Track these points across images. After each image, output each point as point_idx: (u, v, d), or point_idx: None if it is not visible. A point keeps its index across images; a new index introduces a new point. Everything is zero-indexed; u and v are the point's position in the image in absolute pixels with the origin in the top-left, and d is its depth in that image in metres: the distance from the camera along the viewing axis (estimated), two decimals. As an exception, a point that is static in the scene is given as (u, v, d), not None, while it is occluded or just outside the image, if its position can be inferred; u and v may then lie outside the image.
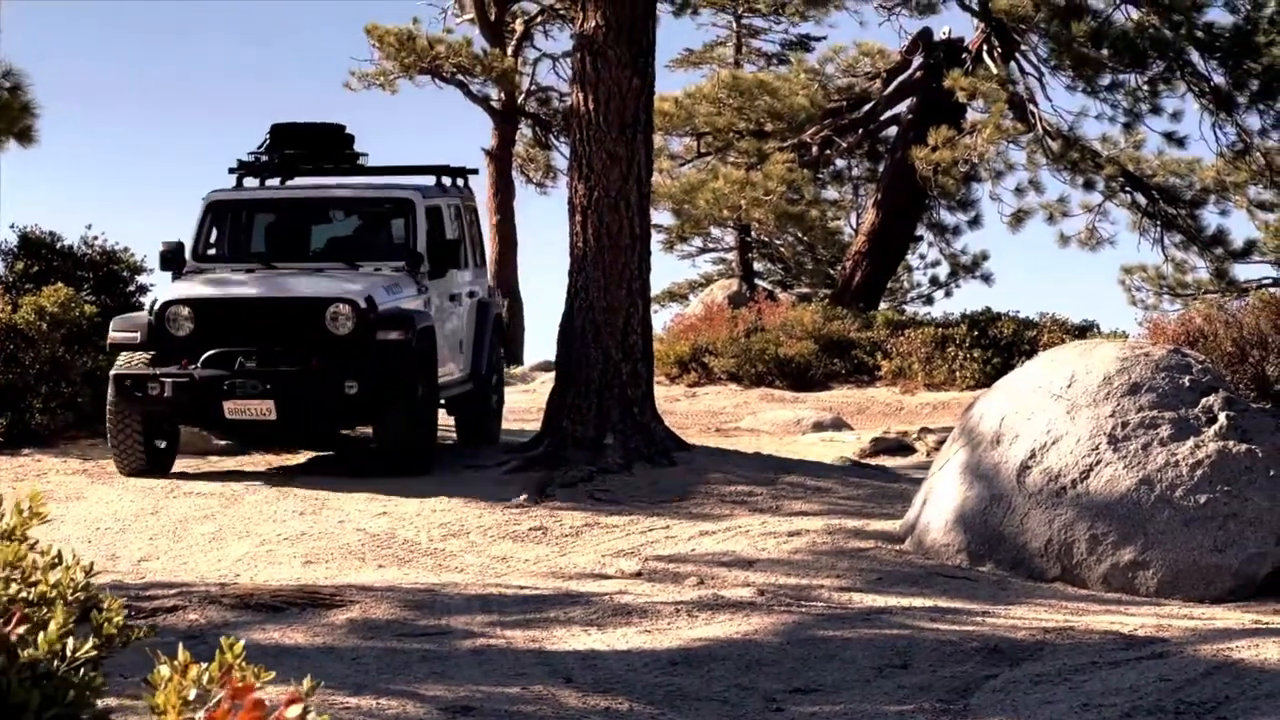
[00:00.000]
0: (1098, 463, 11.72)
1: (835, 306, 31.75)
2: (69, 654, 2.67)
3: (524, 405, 26.19)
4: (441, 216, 17.13)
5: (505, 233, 36.69)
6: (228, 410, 14.83)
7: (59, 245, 19.94)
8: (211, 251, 16.70)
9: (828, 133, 33.05)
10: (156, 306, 15.40)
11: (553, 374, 32.68)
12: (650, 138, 16.98)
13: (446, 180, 18.07)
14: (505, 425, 23.06)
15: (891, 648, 9.09)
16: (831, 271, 40.79)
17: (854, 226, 41.90)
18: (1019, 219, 31.98)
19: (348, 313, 15.09)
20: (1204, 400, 12.08)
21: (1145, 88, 29.34)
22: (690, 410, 25.87)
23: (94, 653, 2.72)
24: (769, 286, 40.90)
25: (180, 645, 2.63)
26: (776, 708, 8.03)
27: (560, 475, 15.35)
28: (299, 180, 17.95)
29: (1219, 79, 28.10)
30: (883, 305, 34.74)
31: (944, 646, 9.08)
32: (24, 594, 2.84)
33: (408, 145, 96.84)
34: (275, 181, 18.00)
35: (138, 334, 15.34)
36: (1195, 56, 27.95)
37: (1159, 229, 31.69)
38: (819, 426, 23.58)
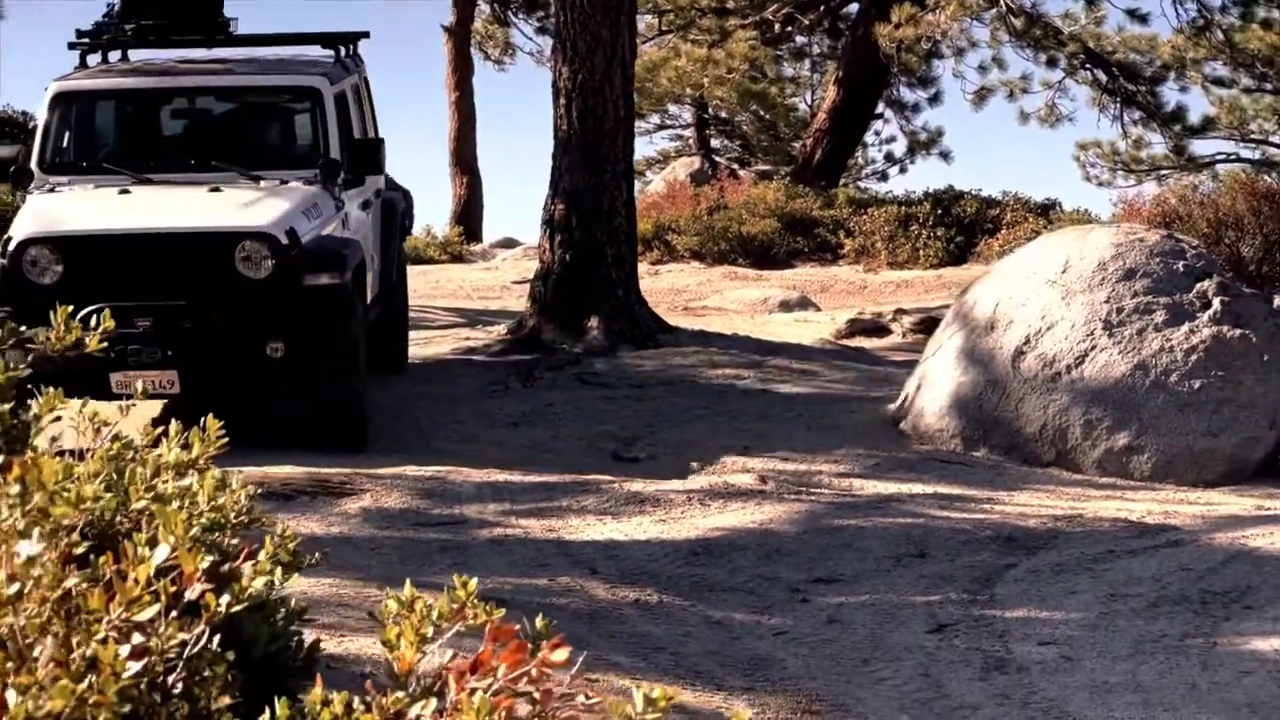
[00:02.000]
0: (1093, 348, 11.81)
1: (797, 184, 31.71)
2: (276, 581, 2.69)
3: (488, 283, 26.21)
4: (348, 105, 13.81)
5: (464, 110, 36.41)
6: (116, 384, 11.10)
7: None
8: (63, 159, 13.04)
9: (789, 9, 32.87)
10: (9, 246, 11.61)
11: (513, 251, 32.76)
12: (634, 20, 16.91)
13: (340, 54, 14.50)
14: (470, 304, 23.09)
15: (906, 536, 9.19)
16: (791, 149, 40.69)
17: (810, 104, 41.85)
18: (981, 96, 31.98)
19: (264, 251, 11.59)
20: (1198, 285, 12.18)
21: None
22: (654, 288, 25.82)
23: (291, 580, 2.74)
24: (729, 164, 40.77)
25: (408, 581, 2.65)
26: (802, 598, 8.13)
27: (546, 359, 15.36)
28: (164, 59, 14.38)
29: None
30: (841, 183, 34.70)
31: (958, 535, 9.19)
32: (207, 519, 2.85)
33: (362, 21, 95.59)
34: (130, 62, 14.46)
35: None
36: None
37: (1118, 106, 31.71)
38: (786, 305, 23.61)
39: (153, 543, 2.17)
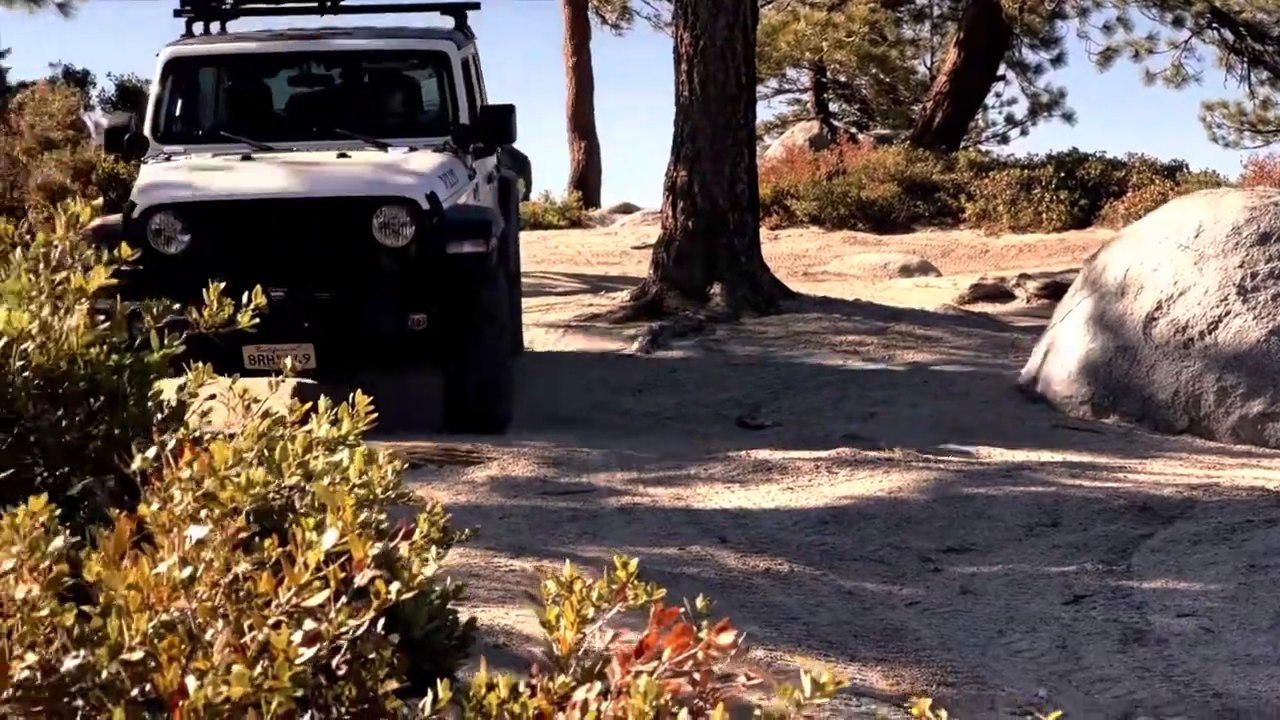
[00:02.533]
0: (1226, 314, 11.63)
1: (916, 148, 31.46)
2: (431, 559, 2.67)
3: (607, 248, 26.19)
4: (471, 72, 13.15)
5: (582, 75, 36.40)
6: (249, 357, 10.52)
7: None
8: (178, 128, 12.53)
9: (910, -30, 32.59)
10: (135, 213, 11.11)
11: (631, 216, 32.69)
12: (756, -16, 16.79)
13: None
14: (590, 270, 23.08)
15: (1038, 505, 9.08)
16: (910, 113, 40.36)
17: (930, 67, 41.48)
18: (1106, 57, 31.60)
19: (404, 216, 11.05)
20: (1334, 250, 11.96)
21: None
22: (773, 253, 25.70)
23: (444, 558, 2.72)
24: (848, 128, 40.49)
25: (567, 561, 2.62)
26: (934, 567, 8.05)
27: (671, 325, 15.34)
28: (278, 25, 13.76)
29: None
30: (962, 146, 34.40)
31: (1091, 504, 9.07)
32: (356, 495, 2.83)
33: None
34: (236, 27, 13.77)
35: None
36: None
37: (1245, 65, 31.22)
38: (906, 270, 23.47)
39: (319, 527, 2.16)
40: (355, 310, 11.07)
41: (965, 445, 10.83)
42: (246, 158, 11.94)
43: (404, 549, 2.51)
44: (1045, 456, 10.51)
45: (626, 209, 33.46)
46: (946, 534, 8.61)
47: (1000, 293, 19.28)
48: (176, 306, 3.36)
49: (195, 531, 2.20)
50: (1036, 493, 9.37)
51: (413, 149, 12.04)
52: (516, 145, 14.51)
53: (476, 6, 13.83)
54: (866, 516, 8.87)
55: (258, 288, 3.77)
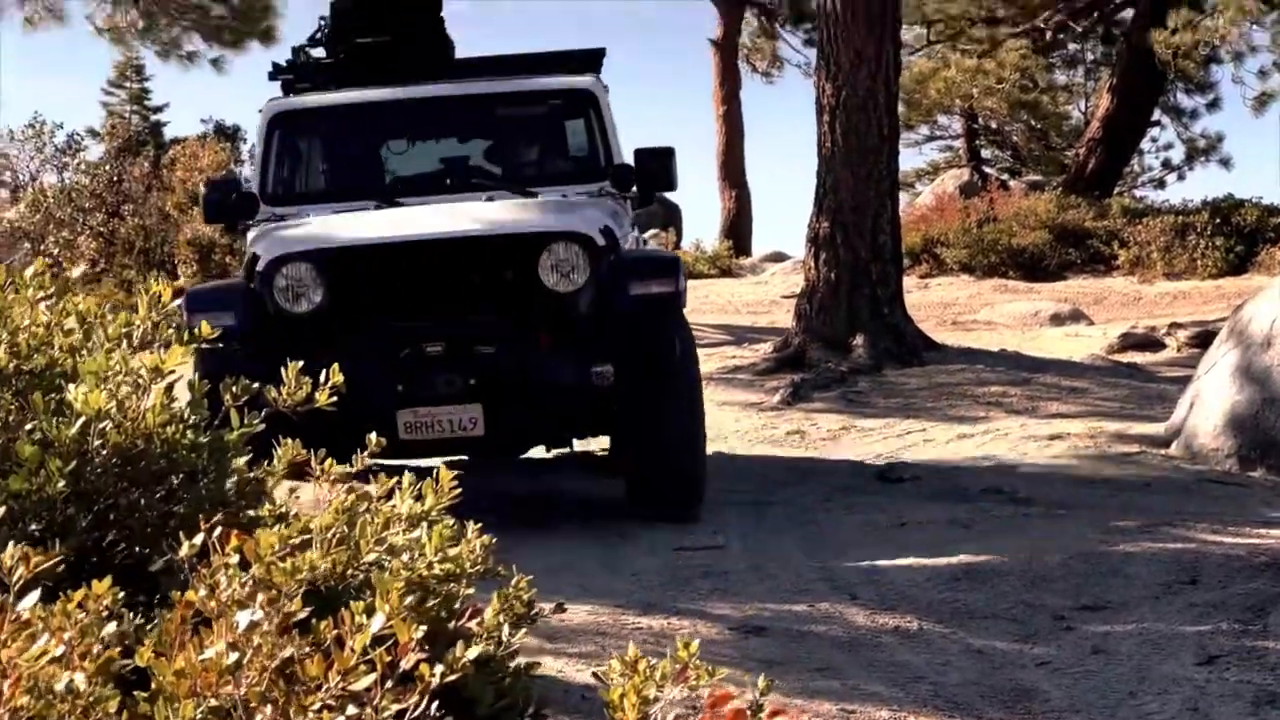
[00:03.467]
0: (1377, 366, 11.43)
1: (1069, 195, 31.25)
2: (503, 639, 2.70)
3: (756, 298, 26.24)
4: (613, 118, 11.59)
5: (732, 123, 36.55)
6: (404, 425, 9.23)
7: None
8: (289, 188, 11.28)
9: (1061, 17, 32.41)
10: (259, 266, 9.69)
11: (782, 265, 32.70)
12: (898, 35, 16.82)
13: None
14: (738, 319, 23.13)
15: (1176, 562, 8.95)
16: (1063, 159, 40.09)
17: (1084, 112, 41.16)
18: (1262, 102, 31.25)
19: (577, 255, 9.60)
20: None
21: None
22: (923, 302, 25.65)
23: (524, 637, 2.75)
24: (999, 175, 40.27)
25: (630, 643, 2.65)
26: (1066, 626, 7.96)
27: (813, 377, 15.33)
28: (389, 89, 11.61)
29: None
30: (1115, 192, 34.11)
31: (1231, 561, 8.92)
32: (436, 570, 2.87)
33: (627, 41, 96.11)
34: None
35: (230, 315, 9.31)
36: None
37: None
38: (1057, 319, 23.29)
39: (370, 610, 2.19)
40: (528, 362, 9.49)
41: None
42: (380, 207, 10.67)
43: (474, 626, 2.54)
44: (1188, 510, 10.37)
45: (778, 257, 33.51)
46: (1081, 591, 8.51)
47: (1150, 342, 19.07)
48: (256, 385, 3.36)
49: (243, 617, 2.25)
50: (1176, 549, 9.24)
51: (564, 196, 10.76)
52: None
53: (603, 53, 12.27)
54: (1000, 573, 8.79)
55: (335, 366, 3.54)
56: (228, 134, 29.94)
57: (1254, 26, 30.11)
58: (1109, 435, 12.75)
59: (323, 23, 12.25)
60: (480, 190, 10.86)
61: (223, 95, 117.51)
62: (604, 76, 11.97)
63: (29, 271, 3.44)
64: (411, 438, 9.24)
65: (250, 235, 10.62)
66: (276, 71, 12.05)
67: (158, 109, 44.02)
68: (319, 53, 12.25)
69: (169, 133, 34.81)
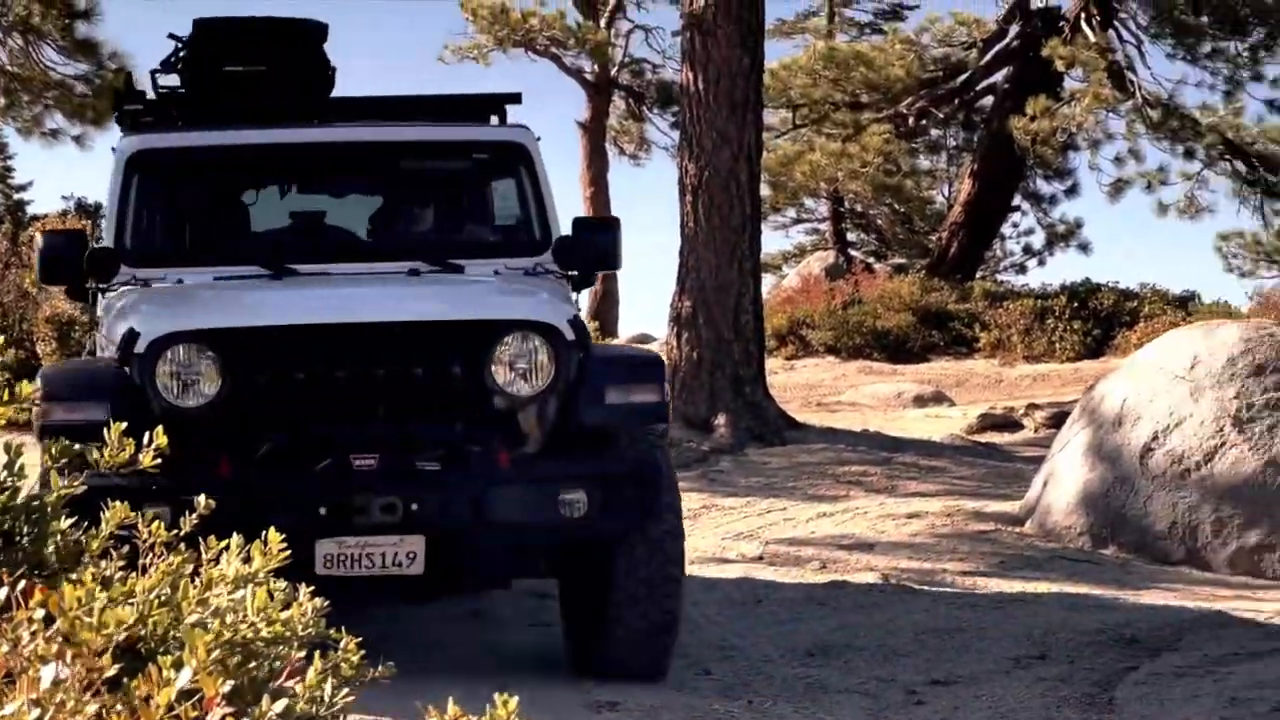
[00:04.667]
0: (1222, 444, 11.64)
1: (932, 278, 31.68)
2: (326, 699, 2.70)
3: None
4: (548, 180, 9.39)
5: (599, 205, 36.73)
6: (325, 558, 7.24)
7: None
8: (154, 246, 9.03)
9: (924, 103, 32.90)
10: (140, 347, 7.49)
11: (647, 347, 32.79)
12: (760, 116, 16.99)
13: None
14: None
15: (1028, 637, 9.07)
16: (927, 242, 40.62)
17: (948, 196, 41.77)
18: (1118, 188, 31.80)
19: (540, 350, 7.59)
20: (1330, 381, 11.98)
21: (1246, 54, 29.36)
22: (789, 383, 25.83)
23: (350, 698, 2.76)
24: (864, 258, 40.76)
25: (450, 700, 2.66)
26: (918, 700, 8.03)
27: (674, 456, 15.37)
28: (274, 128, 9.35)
29: None
30: (978, 275, 34.62)
31: (1080, 636, 9.05)
32: (263, 634, 2.88)
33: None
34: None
35: (98, 407, 7.17)
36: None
37: (1259, 196, 31.44)
38: (920, 400, 23.55)
39: (179, 665, 2.19)
40: (486, 485, 7.45)
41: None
42: (276, 278, 8.51)
43: (299, 688, 2.55)
44: (1040, 588, 10.52)
45: (644, 339, 33.60)
46: (933, 666, 8.59)
47: (1008, 423, 19.32)
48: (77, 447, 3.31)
49: (47, 673, 2.23)
50: (1026, 624, 9.35)
51: (497, 272, 8.74)
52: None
53: (517, 100, 9.97)
54: (855, 648, 8.87)
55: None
56: (89, 211, 29.74)
57: (1109, 114, 30.71)
58: (965, 513, 12.89)
59: (179, 45, 9.78)
60: (390, 260, 8.74)
61: (88, 173, 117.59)
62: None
63: None
64: (331, 573, 7.12)
65: (107, 302, 8.56)
66: (119, 99, 10.21)
67: (21, 187, 43.75)
68: (172, 80, 9.93)
69: (31, 210, 34.61)
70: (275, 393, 7.54)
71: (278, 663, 2.61)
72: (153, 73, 9.96)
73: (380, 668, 3.13)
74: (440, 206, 9.82)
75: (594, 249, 8.95)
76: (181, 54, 9.74)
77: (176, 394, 7.39)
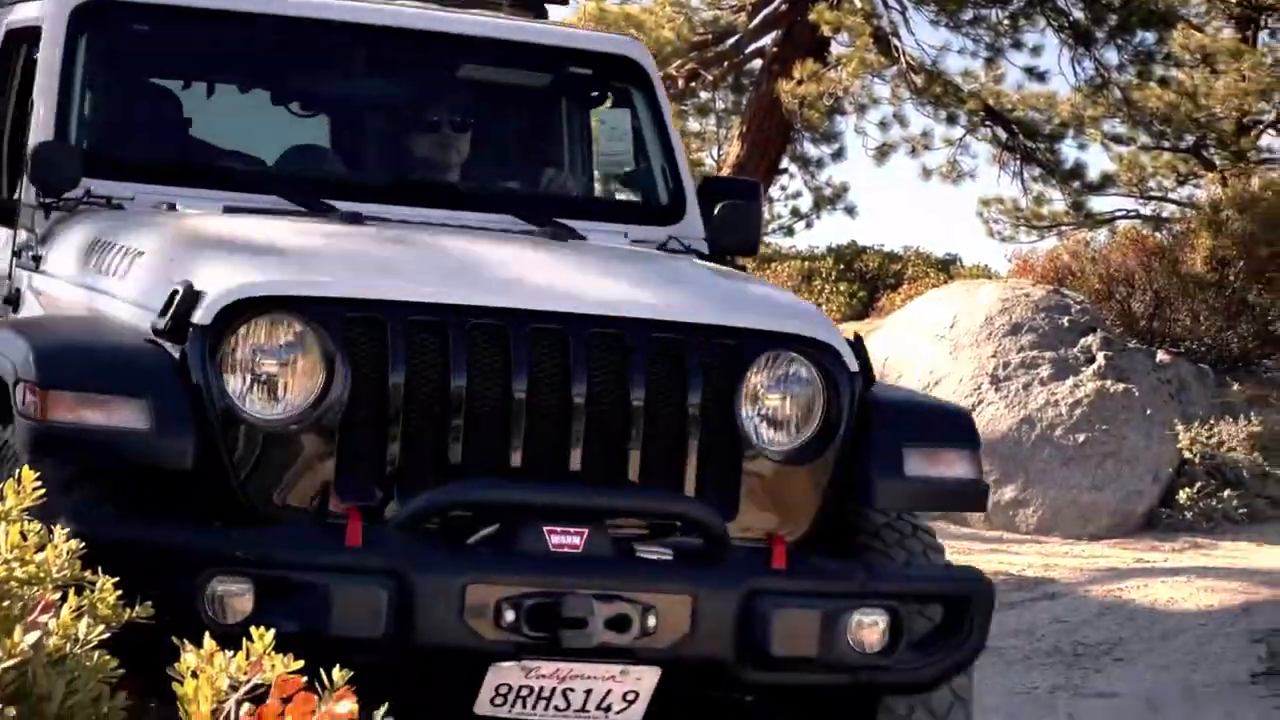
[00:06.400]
0: (980, 402, 11.94)
1: (701, 239, 31.93)
2: (80, 637, 2.70)
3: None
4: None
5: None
6: (496, 691, 4.62)
7: None
8: (114, 152, 6.28)
9: (694, 66, 33.08)
10: (203, 314, 4.70)
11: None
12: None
13: None
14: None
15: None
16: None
17: (717, 159, 42.09)
18: (883, 153, 32.20)
19: (813, 383, 5.10)
20: (1082, 340, 12.36)
21: (1006, 22, 29.53)
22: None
23: (105, 634, 2.75)
24: (634, 219, 40.96)
25: (206, 635, 2.65)
26: None
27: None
28: None
29: (1078, 14, 28.25)
30: (746, 237, 35.00)
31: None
32: (17, 574, 2.87)
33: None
34: None
35: (138, 407, 4.57)
36: (1057, -9, 28.09)
37: (1018, 162, 31.87)
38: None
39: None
40: (751, 594, 4.82)
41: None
42: (351, 219, 5.85)
43: (52, 624, 2.54)
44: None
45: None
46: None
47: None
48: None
49: None
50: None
51: (626, 236, 6.41)
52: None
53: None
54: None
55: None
56: None
57: (874, 79, 31.17)
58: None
59: None
60: (471, 210, 6.25)
61: None
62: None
63: None
64: (498, 713, 4.70)
65: (65, 229, 5.87)
66: None
67: None
68: None
69: None
70: (411, 405, 4.80)
71: (31, 601, 2.61)
72: None
73: (139, 607, 3.11)
74: (525, 139, 7.24)
75: (728, 226, 6.35)
76: None
77: (262, 396, 4.74)
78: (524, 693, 4.58)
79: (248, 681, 2.44)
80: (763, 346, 5.05)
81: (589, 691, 4.59)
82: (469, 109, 6.79)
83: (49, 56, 6.04)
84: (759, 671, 4.82)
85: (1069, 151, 31.28)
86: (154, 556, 4.16)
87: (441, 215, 6.07)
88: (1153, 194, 33.07)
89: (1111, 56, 28.40)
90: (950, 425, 5.53)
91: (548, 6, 7.45)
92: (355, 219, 5.77)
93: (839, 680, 4.97)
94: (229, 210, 5.81)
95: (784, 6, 32.54)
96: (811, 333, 5.15)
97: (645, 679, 4.65)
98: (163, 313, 4.72)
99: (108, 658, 2.76)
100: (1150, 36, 27.33)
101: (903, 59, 30.38)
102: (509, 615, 4.50)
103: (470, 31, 6.59)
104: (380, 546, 4.51)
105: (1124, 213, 34.06)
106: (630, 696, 4.66)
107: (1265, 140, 31.09)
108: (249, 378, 4.69)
